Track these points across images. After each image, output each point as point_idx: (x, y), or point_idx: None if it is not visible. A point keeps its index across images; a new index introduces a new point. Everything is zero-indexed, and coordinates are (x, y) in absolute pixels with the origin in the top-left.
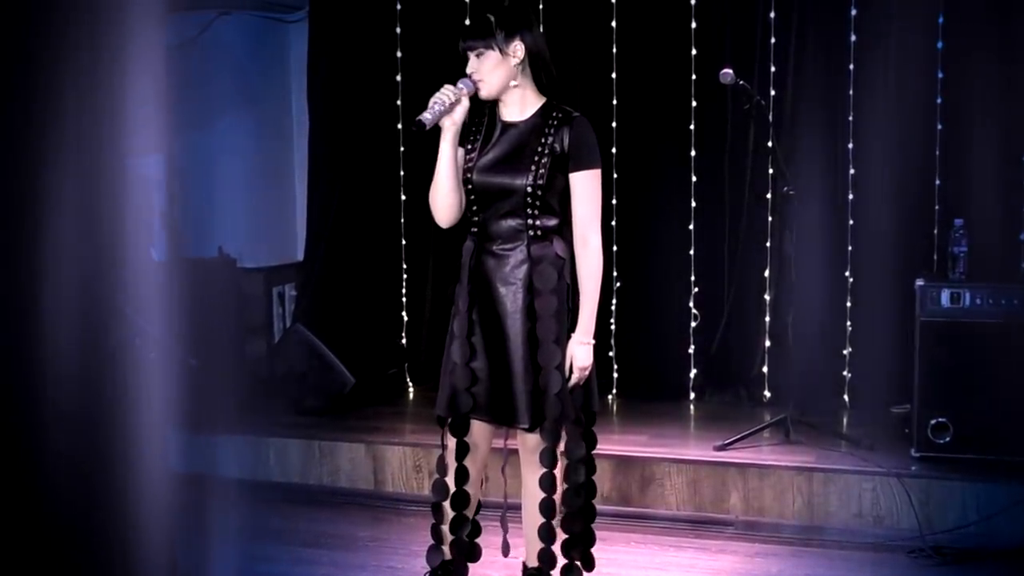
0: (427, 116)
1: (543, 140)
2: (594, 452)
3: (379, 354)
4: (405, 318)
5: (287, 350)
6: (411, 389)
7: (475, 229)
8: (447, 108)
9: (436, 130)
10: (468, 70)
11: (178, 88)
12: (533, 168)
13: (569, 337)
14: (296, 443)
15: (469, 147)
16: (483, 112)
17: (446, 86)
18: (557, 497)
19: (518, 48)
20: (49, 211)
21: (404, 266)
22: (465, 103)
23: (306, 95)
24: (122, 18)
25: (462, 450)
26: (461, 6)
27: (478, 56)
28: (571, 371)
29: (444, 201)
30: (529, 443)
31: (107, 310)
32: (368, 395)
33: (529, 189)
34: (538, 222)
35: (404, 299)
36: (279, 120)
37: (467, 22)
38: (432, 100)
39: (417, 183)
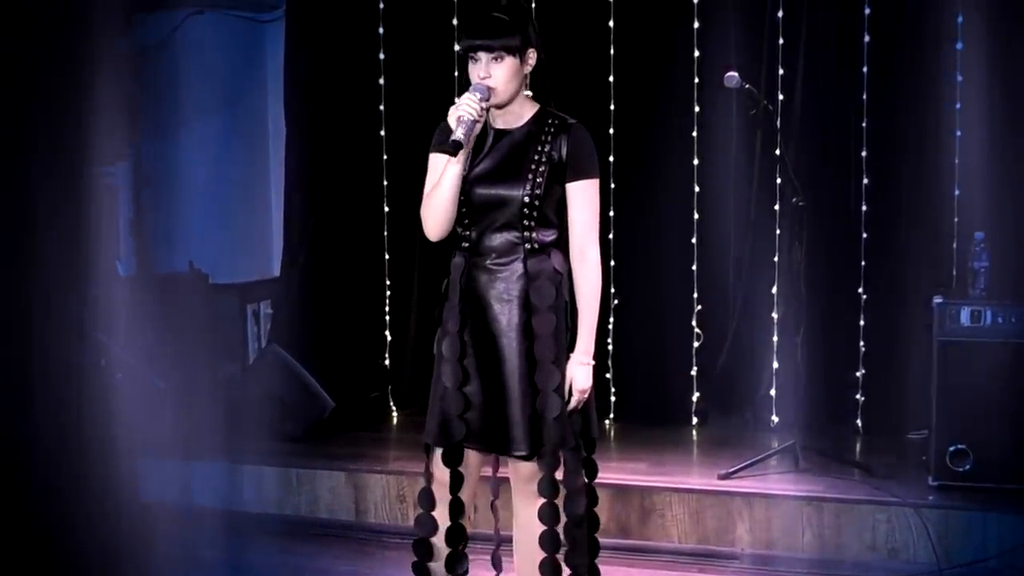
0: (461, 134)
1: (539, 148)
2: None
3: (361, 376)
4: (388, 338)
5: (262, 372)
6: (395, 413)
7: (466, 244)
8: (474, 121)
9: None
10: (480, 74)
11: (146, 92)
12: (530, 178)
13: (567, 357)
14: (272, 471)
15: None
16: None
17: (468, 97)
18: (559, 529)
19: (531, 56)
20: (6, 223)
21: (387, 282)
22: (484, 113)
23: (283, 99)
24: (87, 18)
25: (456, 481)
26: (449, 6)
27: (497, 60)
28: (570, 394)
29: (445, 214)
30: (523, 472)
31: (70, 329)
32: (349, 420)
33: (526, 200)
34: (535, 235)
35: (387, 317)
36: (254, 126)
37: (478, 20)
38: (458, 115)
39: (401, 194)
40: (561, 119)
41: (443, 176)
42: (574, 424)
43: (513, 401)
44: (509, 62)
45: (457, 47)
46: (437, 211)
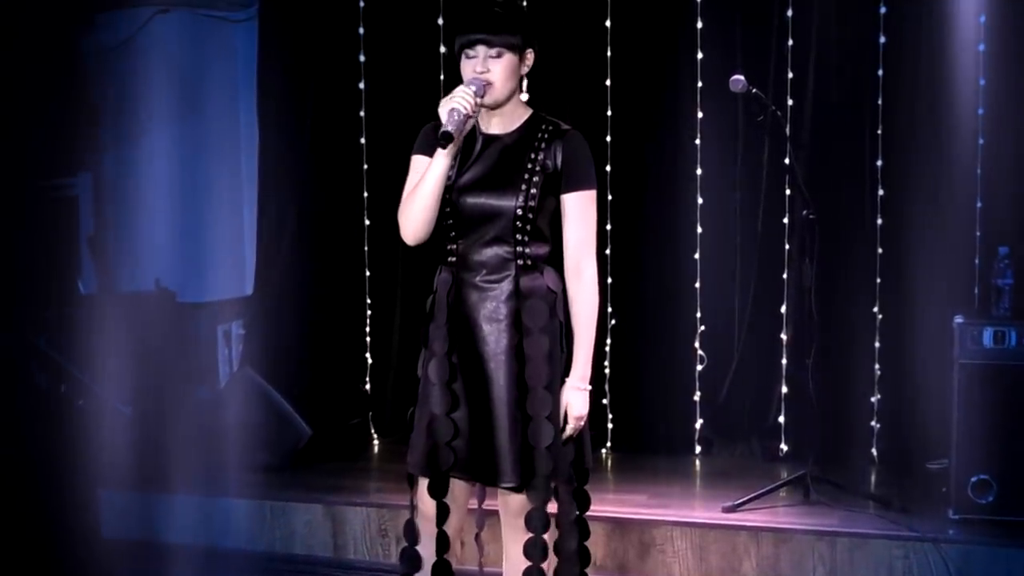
0: (452, 127)
1: (533, 156)
2: (587, 514)
3: (340, 402)
4: (369, 361)
5: (234, 397)
6: (376, 441)
7: (453, 258)
8: (467, 116)
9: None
10: (477, 69)
11: (108, 96)
12: (524, 187)
13: (562, 382)
14: (245, 503)
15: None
16: None
17: (463, 90)
18: (547, 566)
19: (529, 57)
20: None
21: (368, 301)
22: (477, 110)
23: (255, 105)
24: (44, 15)
25: (443, 513)
26: (434, 5)
27: (496, 56)
28: (565, 421)
29: (426, 217)
30: (513, 505)
31: (27, 352)
32: (327, 448)
33: (519, 211)
34: (528, 250)
35: (368, 339)
36: (225, 133)
37: (479, 14)
38: (449, 107)
39: (383, 206)
40: (555, 125)
41: (429, 170)
42: (566, 453)
43: (501, 429)
44: (508, 59)
45: (453, 43)
46: (418, 210)
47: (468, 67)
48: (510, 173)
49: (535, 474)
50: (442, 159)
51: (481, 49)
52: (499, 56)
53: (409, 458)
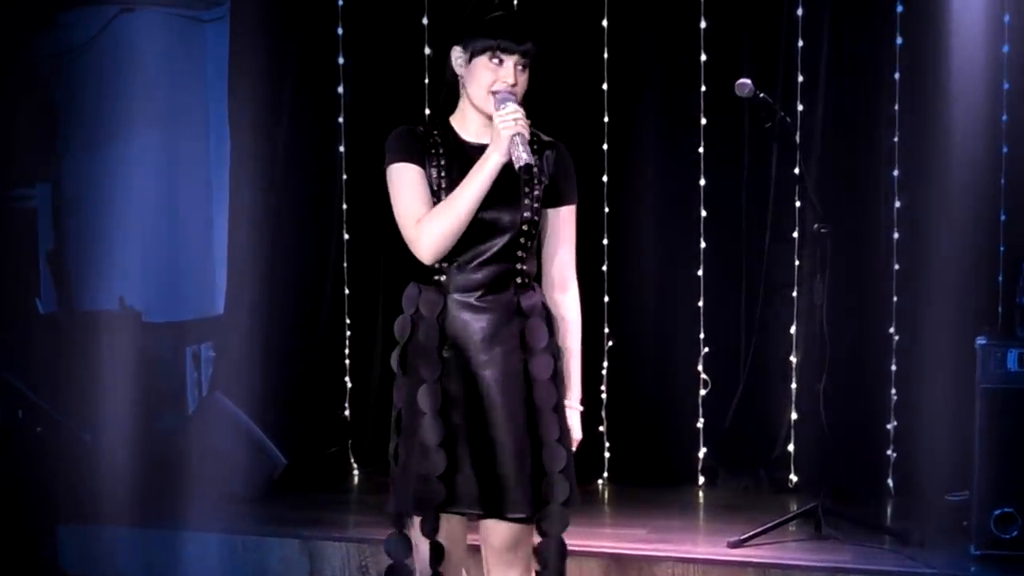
0: (527, 154)
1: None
2: (581, 549)
3: (317, 429)
4: (349, 385)
5: (204, 424)
6: (356, 471)
7: (441, 277)
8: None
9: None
10: (509, 81)
11: (69, 100)
12: (527, 202)
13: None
14: (215, 537)
15: (435, 173)
16: (432, 130)
17: (516, 110)
18: None
19: None
20: None
21: (347, 321)
22: None
23: (226, 110)
24: None
25: (438, 554)
26: (418, 4)
27: (524, 67)
28: None
29: (458, 234)
30: (501, 537)
31: None
32: (303, 479)
33: (524, 227)
34: (526, 266)
35: (347, 361)
36: (194, 140)
37: (513, 20)
38: (512, 133)
39: (363, 219)
40: (537, 135)
41: (469, 186)
42: None
43: (507, 455)
44: (528, 70)
45: (446, 40)
46: (452, 229)
47: (492, 74)
48: (508, 186)
49: (549, 502)
50: (491, 174)
51: (514, 58)
52: (526, 67)
53: (397, 497)
